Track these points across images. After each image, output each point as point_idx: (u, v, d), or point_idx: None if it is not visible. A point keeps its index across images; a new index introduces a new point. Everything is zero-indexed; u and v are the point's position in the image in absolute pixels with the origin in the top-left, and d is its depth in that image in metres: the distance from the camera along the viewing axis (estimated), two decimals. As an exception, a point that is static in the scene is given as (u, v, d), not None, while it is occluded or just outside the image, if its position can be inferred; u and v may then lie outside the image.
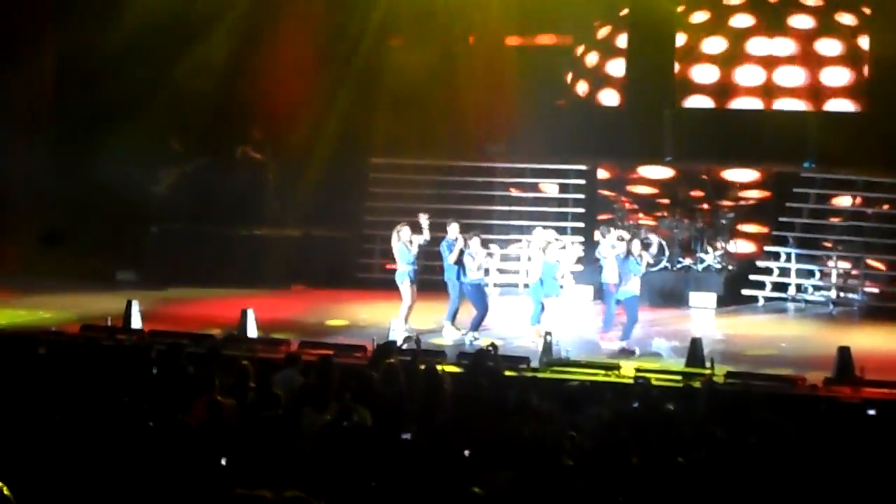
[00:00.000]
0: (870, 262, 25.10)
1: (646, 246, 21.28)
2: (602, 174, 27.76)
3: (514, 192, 27.26)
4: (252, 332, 20.13)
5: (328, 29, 27.73)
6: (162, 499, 9.86)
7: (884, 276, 25.15)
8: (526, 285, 23.82)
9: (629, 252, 20.46)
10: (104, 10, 26.33)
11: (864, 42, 27.66)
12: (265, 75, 27.14)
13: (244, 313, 20.27)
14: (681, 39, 28.32)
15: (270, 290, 25.12)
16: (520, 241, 26.06)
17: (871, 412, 14.32)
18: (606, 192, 27.33)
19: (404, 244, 20.81)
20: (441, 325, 20.82)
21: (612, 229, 21.97)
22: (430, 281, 21.99)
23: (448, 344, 20.13)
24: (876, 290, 24.92)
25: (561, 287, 20.75)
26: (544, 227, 22.15)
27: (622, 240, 20.97)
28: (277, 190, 27.92)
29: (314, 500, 4.28)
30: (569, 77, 29.24)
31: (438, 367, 16.06)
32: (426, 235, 20.86)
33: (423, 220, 20.92)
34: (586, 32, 29.34)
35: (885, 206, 25.31)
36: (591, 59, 29.27)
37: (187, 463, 10.62)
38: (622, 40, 28.71)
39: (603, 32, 29.28)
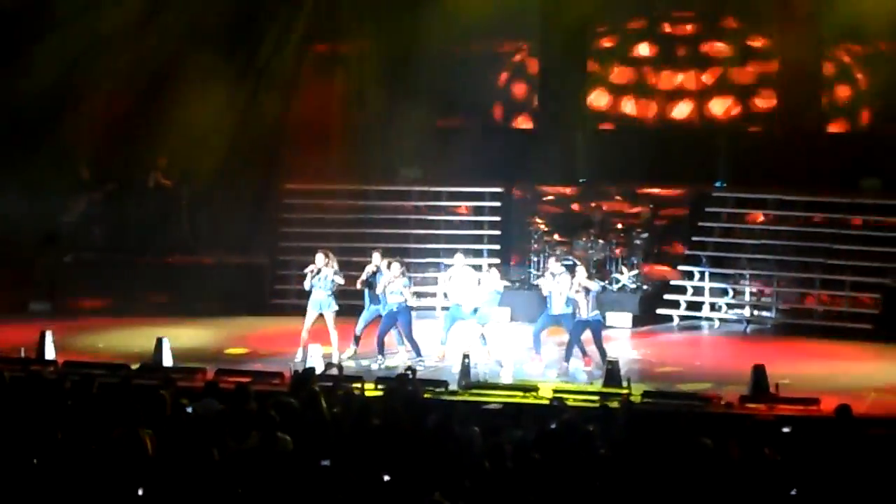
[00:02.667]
0: (783, 279, 25.34)
1: (569, 268, 21.21)
2: (522, 199, 27.85)
3: (430, 216, 27.26)
4: (168, 360, 19.98)
5: (239, 51, 27.56)
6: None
7: (796, 293, 25.40)
8: (445, 308, 23.83)
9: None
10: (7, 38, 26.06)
11: (772, 63, 27.93)
12: (175, 101, 26.93)
13: (159, 342, 20.13)
14: (593, 63, 28.51)
15: (185, 318, 24.95)
16: (436, 264, 26.16)
17: (786, 430, 14.43)
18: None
19: (308, 271, 20.85)
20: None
21: (552, 260, 21.97)
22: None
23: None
24: (789, 308, 25.16)
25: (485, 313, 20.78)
26: (464, 252, 22.19)
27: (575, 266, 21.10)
28: (190, 217, 27.74)
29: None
30: (487, 100, 29.24)
31: (357, 392, 16.06)
32: (334, 268, 20.87)
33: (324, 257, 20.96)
34: (502, 54, 29.41)
35: (798, 224, 25.60)
36: (507, 80, 29.33)
37: (104, 495, 10.51)
38: (534, 63, 28.83)
39: (518, 54, 29.36)
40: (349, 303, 21.65)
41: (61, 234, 26.60)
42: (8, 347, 20.40)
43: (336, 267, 20.89)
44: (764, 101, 28.09)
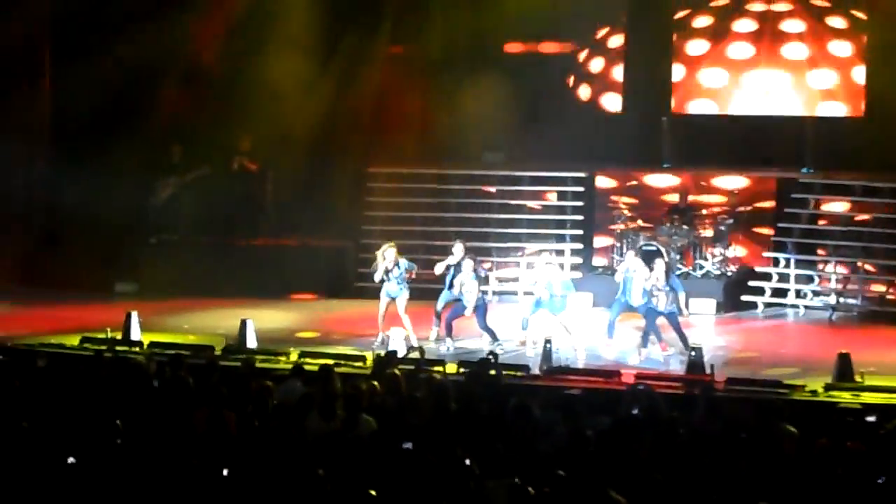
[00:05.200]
0: (869, 266, 25.07)
1: (653, 254, 21.19)
2: (606, 183, 27.68)
3: (512, 200, 27.20)
4: (252, 342, 20.13)
5: (324, 36, 27.67)
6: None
7: (883, 280, 25.10)
8: (527, 293, 23.85)
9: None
10: (100, 25, 26.34)
11: (861, 46, 27.57)
12: (261, 84, 27.12)
13: (244, 323, 20.28)
14: (679, 45, 28.29)
15: (269, 300, 25.15)
16: (519, 249, 26.17)
17: (871, 418, 14.30)
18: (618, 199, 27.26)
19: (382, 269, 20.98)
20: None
21: (631, 253, 21.88)
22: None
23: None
24: (875, 295, 24.89)
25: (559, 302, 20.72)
26: (542, 249, 22.14)
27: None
28: (274, 200, 27.92)
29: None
30: (570, 82, 29.08)
31: (439, 377, 16.11)
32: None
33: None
34: (586, 38, 29.25)
35: (885, 211, 25.27)
36: (590, 65, 29.18)
37: (190, 474, 10.62)
38: (621, 46, 28.63)
39: (602, 38, 29.18)
40: (422, 287, 21.72)
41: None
42: (94, 327, 20.64)
43: (405, 261, 20.95)
44: (852, 84, 27.71)
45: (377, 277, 21.02)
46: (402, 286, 20.87)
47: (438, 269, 21.22)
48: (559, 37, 28.75)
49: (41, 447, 11.38)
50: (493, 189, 27.41)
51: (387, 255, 20.92)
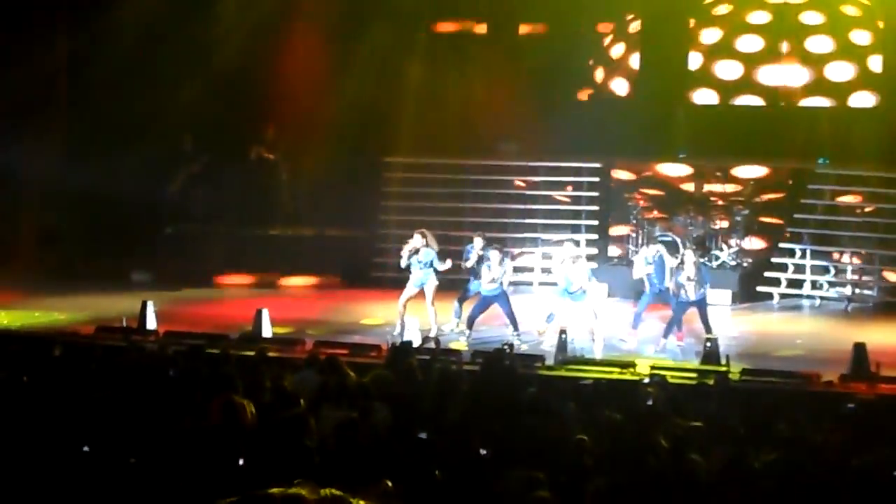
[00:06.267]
0: (884, 257, 25.00)
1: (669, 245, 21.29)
2: (622, 173, 27.63)
3: (528, 191, 27.18)
4: (267, 332, 20.14)
5: (342, 26, 27.68)
6: (182, 501, 9.86)
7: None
8: (543, 283, 23.86)
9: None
10: (116, 10, 26.36)
11: (878, 35, 27.45)
12: (279, 74, 27.16)
13: (259, 313, 20.27)
14: (695, 34, 28.19)
15: (284, 289, 25.12)
16: (535, 239, 26.18)
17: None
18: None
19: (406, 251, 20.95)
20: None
21: (649, 245, 21.88)
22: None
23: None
24: (891, 286, 24.84)
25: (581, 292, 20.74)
26: (566, 240, 22.21)
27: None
28: (291, 189, 27.94)
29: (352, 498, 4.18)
30: (591, 72, 28.97)
31: (455, 366, 16.11)
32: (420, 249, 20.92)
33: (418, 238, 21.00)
34: (601, 26, 29.15)
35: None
36: (604, 54, 29.09)
37: (205, 464, 10.63)
38: (636, 35, 28.56)
39: (618, 26, 29.07)
40: (449, 278, 21.68)
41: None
42: (110, 317, 20.68)
43: (436, 247, 20.88)
44: (867, 76, 27.60)
45: (403, 263, 20.97)
46: (428, 273, 20.80)
47: (467, 265, 21.12)
48: (575, 23, 28.58)
49: (56, 436, 11.40)
50: (511, 179, 27.35)
51: (415, 239, 20.83)
